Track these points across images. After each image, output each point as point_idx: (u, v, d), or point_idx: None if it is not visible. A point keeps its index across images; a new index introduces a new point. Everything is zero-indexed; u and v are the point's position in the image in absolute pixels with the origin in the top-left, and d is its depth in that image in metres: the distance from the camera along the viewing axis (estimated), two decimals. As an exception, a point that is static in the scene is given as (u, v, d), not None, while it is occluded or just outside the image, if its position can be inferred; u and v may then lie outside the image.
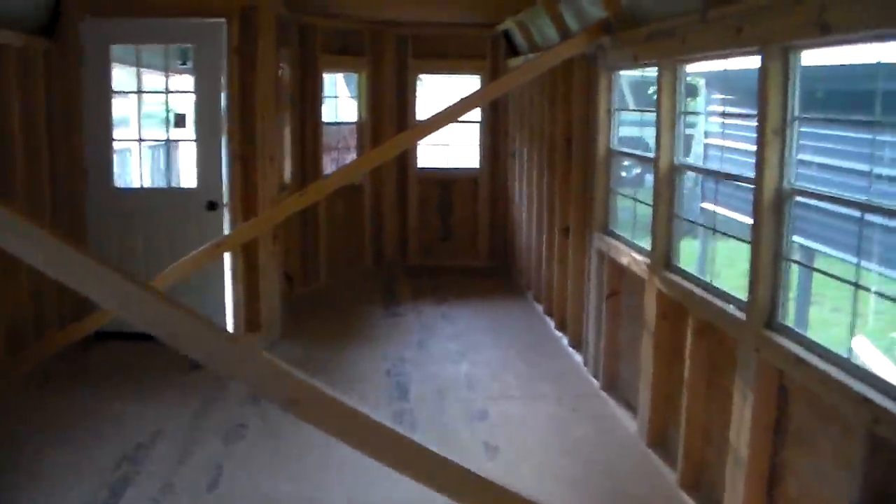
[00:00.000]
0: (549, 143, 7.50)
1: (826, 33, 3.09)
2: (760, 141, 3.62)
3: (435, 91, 12.09)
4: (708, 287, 4.36)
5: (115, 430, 5.38)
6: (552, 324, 7.57)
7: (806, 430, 3.44)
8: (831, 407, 3.16)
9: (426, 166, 10.32)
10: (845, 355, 3.19)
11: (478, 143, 10.19)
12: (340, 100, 10.14)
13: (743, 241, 3.87)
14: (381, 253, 10.17)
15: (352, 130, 9.93)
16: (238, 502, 4.58)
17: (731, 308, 3.99)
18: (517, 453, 5.12)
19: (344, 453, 4.75)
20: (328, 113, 9.73)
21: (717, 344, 4.25)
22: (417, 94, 10.12)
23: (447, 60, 9.97)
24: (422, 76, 10.38)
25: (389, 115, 9.79)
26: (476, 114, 10.00)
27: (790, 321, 3.65)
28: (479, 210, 10.23)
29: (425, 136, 7.21)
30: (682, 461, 4.52)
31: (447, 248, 10.34)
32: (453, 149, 10.48)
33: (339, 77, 9.98)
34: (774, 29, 3.48)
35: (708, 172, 4.76)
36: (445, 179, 10.28)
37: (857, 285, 3.19)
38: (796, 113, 3.55)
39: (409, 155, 10.01)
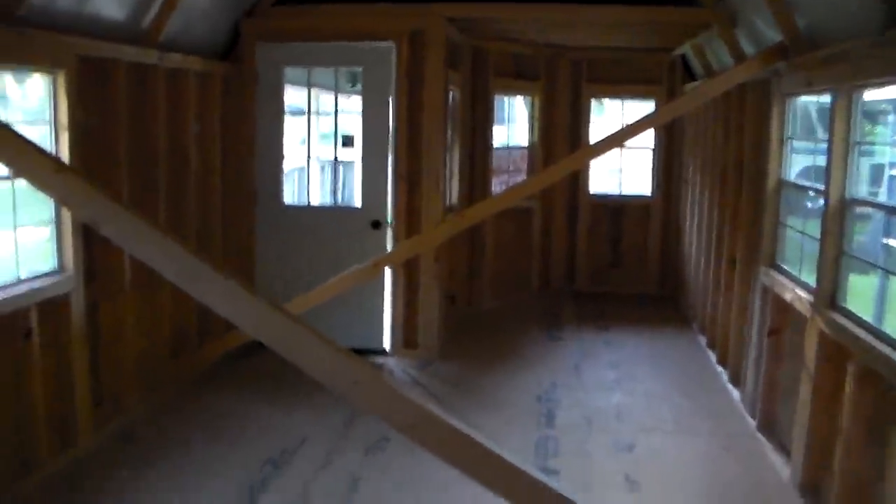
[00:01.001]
0: (721, 172, 7.23)
1: None
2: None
3: (614, 116, 11.90)
4: (875, 331, 4.05)
5: (263, 434, 5.60)
6: (714, 357, 7.28)
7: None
8: None
9: (598, 192, 10.18)
10: None
11: (651, 169, 9.96)
12: (517, 124, 10.13)
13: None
14: (548, 278, 10.08)
15: (523, 154, 9.90)
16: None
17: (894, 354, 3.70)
18: (659, 490, 4.93)
19: None
20: (505, 136, 9.77)
21: (881, 393, 3.94)
22: (591, 118, 9.99)
23: (622, 85, 9.79)
24: (602, 101, 10.26)
25: (562, 140, 9.71)
26: (650, 140, 9.81)
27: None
28: (650, 237, 9.99)
29: (594, 157, 7.18)
30: (836, 514, 4.22)
31: (616, 274, 10.14)
32: (626, 175, 10.26)
33: (518, 100, 9.96)
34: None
35: (880, 207, 4.44)
36: (617, 205, 10.10)
37: None
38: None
39: (580, 180, 9.92)
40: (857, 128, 4.47)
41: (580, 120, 9.84)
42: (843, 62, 4.35)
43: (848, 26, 4.28)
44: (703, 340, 7.85)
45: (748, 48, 6.29)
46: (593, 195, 10.08)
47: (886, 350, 3.81)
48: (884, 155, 8.68)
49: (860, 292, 4.48)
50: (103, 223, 2.69)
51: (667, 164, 9.82)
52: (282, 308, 2.85)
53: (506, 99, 9.91)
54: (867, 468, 3.99)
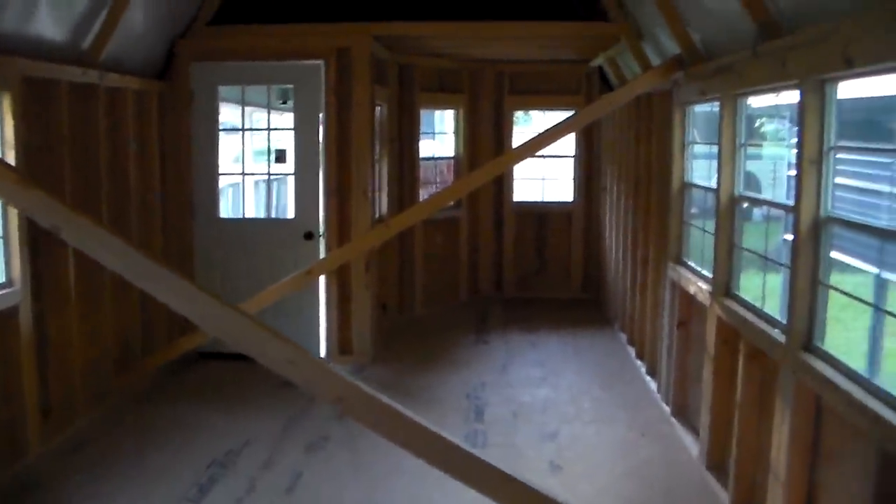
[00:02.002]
0: (633, 177, 7.68)
1: (850, 66, 3.26)
2: (798, 170, 3.78)
3: (539, 127, 12.34)
4: (759, 313, 4.50)
5: (208, 438, 5.85)
6: (633, 352, 7.72)
7: (837, 448, 3.56)
8: (853, 424, 3.28)
9: (522, 200, 10.59)
10: (866, 375, 3.30)
11: (572, 177, 10.41)
12: (444, 136, 10.50)
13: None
14: (476, 285, 10.46)
15: (450, 165, 10.29)
16: (313, 503, 4.92)
17: (775, 332, 4.12)
18: (580, 473, 5.30)
19: (416, 465, 5.10)
20: (432, 148, 10.12)
21: (765, 368, 4.37)
22: (515, 129, 10.43)
23: (543, 96, 10.24)
24: (528, 112, 10.66)
25: (486, 150, 10.08)
26: (570, 148, 10.27)
27: (826, 344, 3.76)
28: (573, 243, 10.44)
29: (515, 162, 7.61)
30: (734, 483, 4.63)
31: (541, 280, 10.56)
32: (548, 183, 10.70)
33: (444, 113, 10.34)
34: (809, 63, 3.65)
35: (760, 202, 4.89)
36: (540, 213, 10.53)
37: (877, 308, 3.31)
38: (832, 143, 3.69)
39: (505, 189, 10.33)
40: (742, 131, 4.92)
41: (504, 131, 10.26)
42: (728, 73, 4.81)
43: (732, 41, 4.72)
44: (623, 338, 8.29)
45: (654, 59, 6.74)
46: (518, 203, 10.50)
47: (766, 328, 4.24)
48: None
49: (772, 290, 4.87)
50: (64, 229, 2.98)
51: (587, 172, 10.29)
52: (226, 302, 3.14)
53: (435, 112, 10.30)
54: (759, 437, 4.41)
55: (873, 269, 6.25)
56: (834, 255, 3.66)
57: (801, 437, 3.79)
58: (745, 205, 5.00)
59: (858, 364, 3.34)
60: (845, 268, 6.28)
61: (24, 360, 5.21)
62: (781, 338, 4.00)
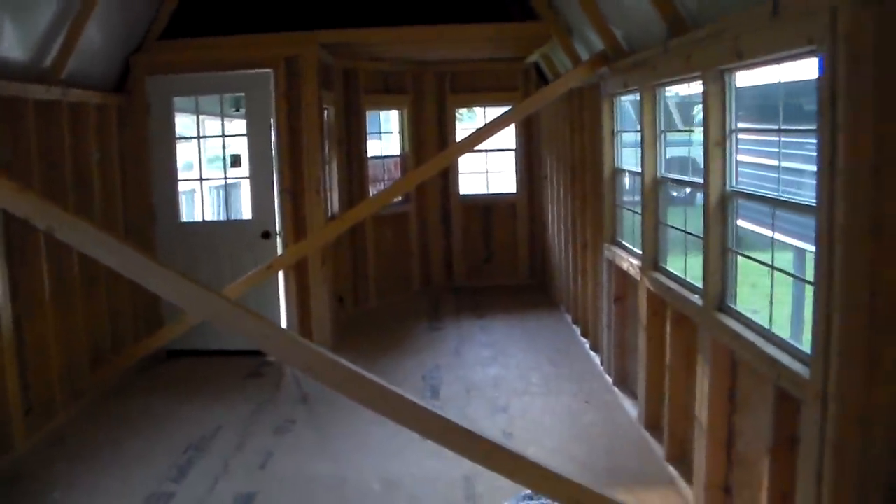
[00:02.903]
0: (570, 166, 8.17)
1: (741, 59, 3.75)
2: (705, 152, 4.27)
3: (482, 122, 12.80)
4: (682, 282, 4.99)
5: (182, 426, 6.24)
6: (578, 331, 8.22)
7: (748, 395, 4.05)
8: (758, 371, 3.77)
9: (468, 193, 11.06)
10: (767, 326, 3.79)
11: (514, 169, 10.91)
12: (391, 135, 10.96)
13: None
14: (428, 276, 10.91)
15: (397, 163, 10.71)
16: (285, 479, 5.34)
17: (695, 297, 4.61)
18: (530, 439, 5.77)
19: (378, 441, 5.60)
20: (379, 148, 10.55)
21: (688, 331, 4.86)
22: (457, 126, 10.91)
23: (483, 93, 10.73)
24: (472, 109, 11.10)
25: (431, 147, 10.52)
26: (511, 142, 10.75)
27: (736, 303, 4.26)
28: (518, 232, 10.94)
29: (458, 155, 8.14)
30: (668, 438, 5.12)
31: (489, 269, 11.04)
32: (493, 176, 11.18)
33: (390, 113, 10.77)
34: (709, 56, 4.14)
35: (680, 182, 5.38)
36: (486, 205, 11.02)
37: (772, 267, 3.81)
38: (734, 126, 4.19)
39: (451, 183, 10.78)
40: (661, 118, 5.42)
41: (447, 128, 10.72)
42: (645, 66, 5.31)
43: (648, 37, 5.21)
44: (568, 318, 8.79)
45: (584, 55, 7.21)
46: (464, 196, 10.97)
47: (687, 294, 4.74)
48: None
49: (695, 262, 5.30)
50: (58, 229, 3.37)
51: (528, 164, 10.79)
52: (206, 286, 3.54)
53: (380, 113, 10.75)
54: (687, 395, 4.90)
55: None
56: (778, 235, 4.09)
57: (718, 388, 4.27)
58: (669, 185, 5.50)
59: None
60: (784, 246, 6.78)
61: (6, 362, 5.55)
62: (700, 302, 4.49)
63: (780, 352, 3.53)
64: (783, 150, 4.23)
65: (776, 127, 3.86)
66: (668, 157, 5.86)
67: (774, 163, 4.33)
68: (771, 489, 3.63)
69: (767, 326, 3.80)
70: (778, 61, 3.64)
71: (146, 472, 5.44)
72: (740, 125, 4.28)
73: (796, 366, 3.33)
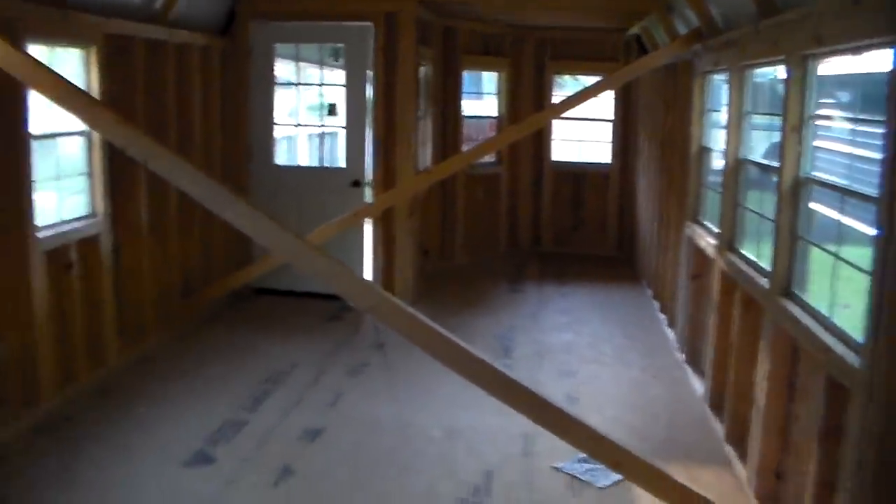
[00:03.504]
0: (660, 142, 8.16)
1: (820, 44, 3.75)
2: (782, 137, 4.27)
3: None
4: (754, 265, 5.01)
5: (261, 359, 6.60)
6: (657, 306, 8.24)
7: (805, 382, 4.08)
8: (814, 358, 3.80)
9: (561, 160, 11.10)
10: (827, 314, 3.82)
11: (610, 140, 10.90)
12: (488, 96, 11.06)
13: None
14: (515, 239, 11.03)
15: (492, 124, 10.81)
16: (352, 417, 5.63)
17: (763, 281, 4.63)
18: (593, 405, 5.87)
19: (445, 391, 5.81)
20: (478, 108, 10.67)
21: (754, 313, 4.87)
22: (554, 92, 10.93)
23: (582, 62, 10.74)
24: (575, 77, 11.13)
25: (527, 111, 10.55)
26: (609, 112, 10.74)
27: (802, 290, 4.27)
28: (609, 203, 10.95)
29: (552, 118, 8.24)
30: (728, 418, 5.17)
31: (577, 237, 11.09)
32: (587, 145, 11.19)
33: (492, 75, 10.87)
34: (792, 41, 4.13)
35: (759, 165, 5.35)
36: (578, 173, 11.05)
37: (836, 256, 3.82)
38: (812, 112, 4.18)
39: (544, 148, 10.85)
40: (748, 100, 5.39)
41: (544, 93, 10.75)
42: (735, 46, 5.29)
43: (742, 17, 5.18)
44: (649, 293, 8.82)
45: (683, 31, 7.17)
46: (556, 162, 11.02)
47: (757, 276, 4.76)
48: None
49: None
50: (151, 159, 3.63)
51: (624, 136, 10.78)
52: (286, 228, 3.77)
53: (481, 74, 10.85)
54: (749, 376, 4.93)
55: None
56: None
57: (777, 373, 4.31)
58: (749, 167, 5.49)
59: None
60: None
61: (104, 284, 5.98)
62: (767, 285, 4.51)
63: (835, 340, 3.56)
64: (869, 141, 4.20)
65: (852, 116, 3.84)
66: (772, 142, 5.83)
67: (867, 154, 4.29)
68: (817, 478, 3.67)
69: (827, 314, 3.82)
70: (856, 50, 3.63)
71: (225, 399, 5.79)
72: (822, 112, 4.26)
73: (849, 355, 3.36)
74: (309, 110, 9.23)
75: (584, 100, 7.41)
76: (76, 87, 3.87)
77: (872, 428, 3.02)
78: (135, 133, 3.74)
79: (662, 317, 7.95)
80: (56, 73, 3.89)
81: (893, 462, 3.01)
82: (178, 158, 3.80)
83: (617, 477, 4.71)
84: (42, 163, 5.43)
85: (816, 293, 4.20)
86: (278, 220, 3.78)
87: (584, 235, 11.09)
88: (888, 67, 3.02)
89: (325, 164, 9.13)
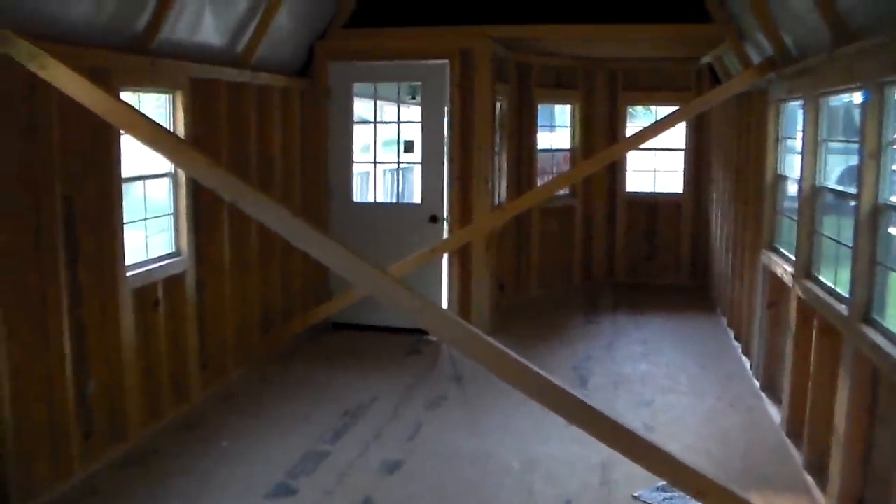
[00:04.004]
0: (735, 170, 8.16)
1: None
2: (860, 163, 4.29)
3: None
4: (831, 291, 5.00)
5: (341, 393, 6.71)
6: (732, 334, 8.21)
7: (887, 409, 4.07)
8: (896, 384, 3.80)
9: (634, 190, 11.14)
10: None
11: (682, 169, 10.91)
12: (561, 129, 11.18)
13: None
14: (589, 270, 11.06)
15: (565, 157, 10.90)
16: (431, 449, 5.71)
17: (841, 307, 4.63)
18: (670, 434, 5.87)
19: (523, 423, 5.89)
20: (551, 141, 10.79)
21: (833, 340, 4.85)
22: (627, 123, 11.00)
23: (655, 92, 10.79)
24: (648, 107, 11.19)
25: (601, 143, 10.65)
26: (681, 141, 10.75)
27: (882, 316, 4.26)
28: (682, 232, 10.94)
29: (625, 151, 8.46)
30: (807, 445, 5.15)
31: (651, 267, 11.09)
32: (660, 175, 11.20)
33: (565, 108, 10.97)
34: (871, 68, 4.16)
35: (835, 192, 5.35)
36: (651, 203, 11.07)
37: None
38: (890, 139, 4.19)
39: (618, 180, 10.90)
40: (823, 128, 5.40)
41: (617, 124, 10.83)
42: (810, 74, 5.31)
43: (815, 44, 5.21)
44: (724, 321, 8.78)
45: (756, 59, 7.20)
46: (630, 193, 11.06)
47: (835, 303, 4.75)
48: None
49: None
50: (240, 200, 3.80)
51: (696, 164, 10.77)
52: (362, 257, 3.90)
53: (554, 107, 10.97)
54: (829, 404, 4.90)
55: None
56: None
57: (858, 400, 4.30)
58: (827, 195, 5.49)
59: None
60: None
61: (189, 320, 6.18)
62: (846, 312, 4.51)
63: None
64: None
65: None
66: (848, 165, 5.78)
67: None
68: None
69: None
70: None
71: (305, 432, 5.92)
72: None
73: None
74: (385, 146, 9.43)
75: (660, 132, 7.49)
76: (170, 132, 4.09)
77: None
78: (226, 175, 3.92)
79: (737, 345, 7.91)
80: (152, 120, 4.12)
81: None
82: (266, 198, 3.96)
83: (695, 504, 4.73)
84: (130, 203, 5.67)
85: (896, 319, 4.19)
86: (357, 253, 3.91)
87: (658, 265, 11.08)
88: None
89: (402, 200, 9.30)
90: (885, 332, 4.06)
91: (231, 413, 6.26)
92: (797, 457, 5.36)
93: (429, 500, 4.99)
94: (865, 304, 4.31)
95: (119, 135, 5.21)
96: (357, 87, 8.39)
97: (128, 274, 5.48)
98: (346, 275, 4.11)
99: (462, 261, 8.32)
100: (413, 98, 8.97)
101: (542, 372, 3.91)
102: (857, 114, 4.85)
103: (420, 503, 4.95)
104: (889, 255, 4.31)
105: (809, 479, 5.06)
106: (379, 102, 8.49)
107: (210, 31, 6.22)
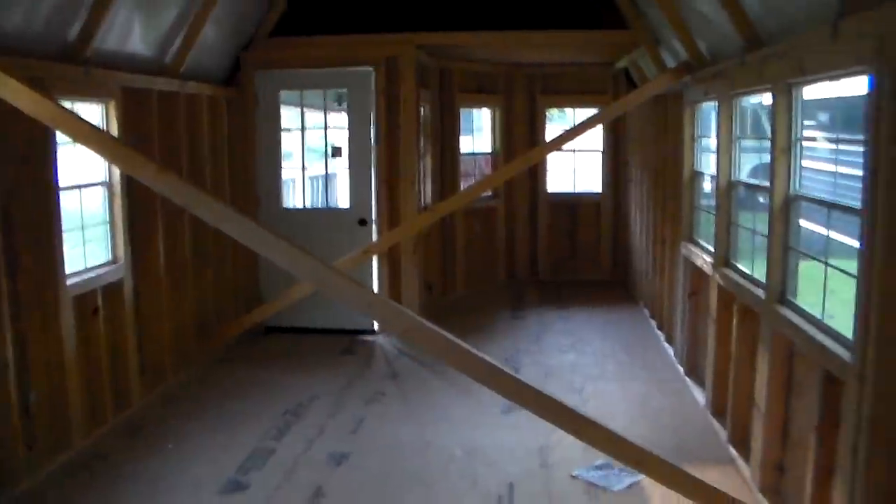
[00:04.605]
0: (654, 169, 8.57)
1: (804, 74, 4.15)
2: (772, 158, 4.66)
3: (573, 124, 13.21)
4: (748, 277, 5.38)
5: (280, 394, 6.85)
6: (655, 324, 8.61)
7: (802, 381, 4.43)
8: (811, 358, 4.16)
9: (555, 191, 11.53)
10: (819, 317, 4.18)
11: (600, 170, 11.34)
12: (482, 133, 11.50)
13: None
14: (513, 269, 11.40)
15: (487, 160, 11.22)
16: (374, 441, 5.92)
17: (759, 291, 5.00)
18: (601, 418, 6.12)
19: (461, 414, 6.13)
20: (473, 144, 11.09)
21: (752, 323, 5.23)
22: (547, 125, 11.38)
23: (573, 95, 11.21)
24: (563, 110, 11.58)
25: (521, 145, 10.99)
26: (599, 143, 11.17)
27: (797, 297, 4.64)
28: (602, 230, 11.36)
29: (546, 154, 8.87)
30: (730, 421, 5.51)
31: (573, 264, 11.48)
32: (579, 175, 11.60)
33: (485, 112, 11.29)
34: (778, 71, 4.53)
35: (749, 186, 5.76)
36: (572, 203, 11.47)
37: (826, 263, 4.19)
38: (799, 135, 4.58)
39: (539, 181, 11.26)
40: (736, 126, 5.80)
41: (537, 127, 11.19)
42: (723, 77, 5.70)
43: (728, 50, 5.60)
44: (646, 313, 9.19)
45: (670, 63, 7.59)
46: (551, 194, 11.44)
47: (753, 288, 5.13)
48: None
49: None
50: (191, 204, 3.98)
51: (614, 165, 11.21)
52: (322, 260, 4.10)
53: (473, 111, 11.29)
54: (749, 381, 5.27)
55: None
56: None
57: (776, 375, 4.66)
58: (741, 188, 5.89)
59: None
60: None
61: (127, 327, 6.27)
62: (763, 295, 4.88)
63: (829, 339, 3.92)
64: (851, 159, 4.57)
65: (835, 136, 4.24)
66: (758, 162, 6.16)
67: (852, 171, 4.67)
68: (816, 466, 4.02)
69: (820, 317, 4.19)
70: (835, 78, 4.04)
71: (249, 431, 6.05)
72: (809, 133, 4.65)
73: (841, 351, 3.72)
74: (311, 152, 9.60)
75: (579, 134, 7.84)
76: (122, 143, 4.21)
77: (866, 413, 3.37)
78: (177, 181, 4.09)
79: (660, 334, 8.31)
80: (104, 131, 4.24)
81: (884, 442, 3.35)
82: (216, 202, 4.13)
83: (631, 480, 5.08)
84: (67, 212, 5.71)
85: (808, 302, 4.56)
86: (320, 259, 4.12)
87: (580, 262, 11.47)
88: (864, 91, 3.42)
89: (331, 205, 9.49)
90: (800, 311, 4.43)
91: (173, 416, 6.35)
92: (722, 433, 5.72)
93: (377, 488, 5.20)
94: (781, 287, 4.68)
95: (55, 144, 5.28)
96: (284, 94, 8.54)
97: (68, 282, 5.55)
98: (302, 275, 4.29)
99: (391, 263, 8.55)
100: (339, 105, 9.17)
101: (488, 358, 4.16)
102: (765, 114, 5.24)
103: (369, 492, 5.15)
104: (799, 243, 4.69)
105: (734, 451, 5.42)
106: (306, 110, 8.66)
107: (140, 41, 6.33)
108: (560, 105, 11.98)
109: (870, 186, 3.33)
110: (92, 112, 6.10)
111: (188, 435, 6.00)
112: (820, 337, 3.98)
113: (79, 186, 6.05)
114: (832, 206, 4.13)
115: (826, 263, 4.20)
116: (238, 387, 7.06)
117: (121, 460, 5.56)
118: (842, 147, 4.58)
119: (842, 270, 3.99)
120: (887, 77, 3.16)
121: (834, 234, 4.30)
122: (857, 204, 3.53)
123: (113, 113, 6.14)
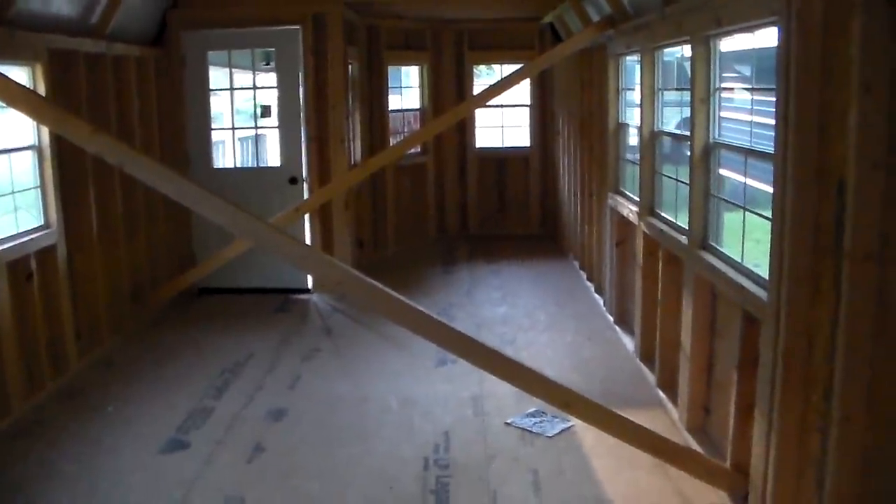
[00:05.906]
0: (580, 122, 8.71)
1: (720, 26, 4.28)
2: (692, 108, 4.80)
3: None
4: (672, 224, 5.55)
5: (216, 353, 6.89)
6: (584, 275, 8.80)
7: (724, 323, 4.62)
8: (731, 299, 4.33)
9: (484, 146, 11.63)
10: (739, 259, 4.36)
11: (528, 124, 11.46)
12: (411, 90, 11.52)
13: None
14: (443, 224, 11.51)
15: (416, 116, 11.26)
16: (311, 396, 6.00)
17: (682, 238, 5.16)
18: (534, 367, 6.34)
19: (395, 367, 6.25)
20: (402, 101, 11.10)
21: (676, 268, 5.40)
22: (475, 81, 11.47)
23: (500, 51, 11.26)
24: (490, 67, 11.64)
25: (450, 101, 11.02)
26: (526, 98, 11.28)
27: (718, 242, 4.81)
28: (531, 184, 11.51)
29: (474, 108, 9.00)
30: (658, 366, 5.71)
31: (503, 219, 11.63)
32: (507, 130, 11.72)
33: (413, 70, 11.31)
34: (696, 23, 4.66)
35: (672, 135, 5.93)
36: (500, 158, 11.59)
37: (744, 208, 4.36)
38: (717, 85, 4.72)
39: (467, 136, 11.34)
40: (659, 78, 5.94)
41: (465, 83, 11.24)
42: (645, 30, 5.82)
43: (649, 2, 5.71)
44: (576, 264, 9.37)
45: (594, 17, 7.69)
46: (480, 149, 11.54)
47: (676, 235, 5.30)
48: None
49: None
50: (126, 164, 3.98)
51: (541, 119, 11.33)
52: (255, 215, 4.14)
53: (401, 69, 11.29)
54: (675, 327, 5.46)
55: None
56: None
57: (700, 318, 4.84)
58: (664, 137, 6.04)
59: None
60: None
61: (62, 290, 6.22)
62: (686, 241, 5.05)
63: (747, 280, 4.09)
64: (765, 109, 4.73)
65: (750, 86, 4.39)
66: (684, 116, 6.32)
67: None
68: (738, 403, 4.21)
69: (739, 260, 4.36)
70: (749, 29, 4.18)
71: (187, 391, 6.08)
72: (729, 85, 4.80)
73: (759, 291, 3.89)
74: (240, 114, 9.55)
75: (505, 88, 7.91)
76: (53, 103, 4.16)
77: (781, 349, 3.54)
78: (111, 141, 4.07)
79: (590, 285, 8.49)
80: (33, 91, 4.18)
81: (798, 375, 3.52)
82: (150, 161, 4.13)
83: (563, 426, 5.24)
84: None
85: (732, 250, 4.73)
86: (252, 213, 4.15)
87: (509, 217, 11.62)
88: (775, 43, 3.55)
89: (262, 164, 9.46)
90: (721, 256, 4.60)
91: (111, 380, 6.34)
92: (650, 378, 5.92)
93: (317, 441, 5.28)
94: (703, 233, 4.85)
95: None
96: (212, 55, 8.45)
97: (0, 248, 5.50)
98: (236, 231, 4.31)
99: (322, 220, 8.57)
100: (268, 64, 9.11)
101: (423, 309, 4.25)
102: (687, 66, 5.38)
103: (309, 445, 5.23)
104: (720, 190, 4.85)
105: (662, 395, 5.62)
106: (234, 70, 8.58)
107: (65, 1, 6.22)
108: (487, 61, 12.04)
109: (780, 133, 3.47)
110: (19, 76, 5.99)
111: (128, 397, 6.00)
112: (740, 279, 4.14)
113: (7, 151, 5.95)
114: (749, 152, 4.29)
115: (744, 208, 4.37)
116: (175, 348, 7.06)
117: (60, 424, 5.55)
118: (759, 97, 4.73)
119: (759, 214, 4.15)
120: (795, 27, 3.29)
121: (754, 183, 4.46)
122: (772, 149, 3.68)
123: (40, 76, 6.02)
